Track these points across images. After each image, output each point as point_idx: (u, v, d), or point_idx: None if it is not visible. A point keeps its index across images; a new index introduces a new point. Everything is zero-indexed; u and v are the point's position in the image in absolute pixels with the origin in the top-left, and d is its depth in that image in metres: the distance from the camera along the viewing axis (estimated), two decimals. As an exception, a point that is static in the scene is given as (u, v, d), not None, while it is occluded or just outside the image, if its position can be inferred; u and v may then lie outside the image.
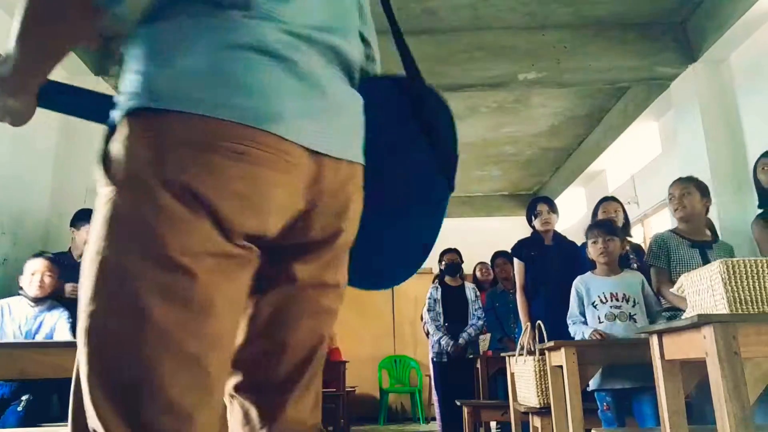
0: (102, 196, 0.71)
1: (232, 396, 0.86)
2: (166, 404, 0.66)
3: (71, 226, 3.59)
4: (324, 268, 0.84)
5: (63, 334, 3.17)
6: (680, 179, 2.94)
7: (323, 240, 0.82)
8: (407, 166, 0.95)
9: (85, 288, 0.69)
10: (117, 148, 0.70)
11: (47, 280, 3.18)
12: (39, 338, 3.15)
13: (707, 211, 2.91)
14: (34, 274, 3.16)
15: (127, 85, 0.72)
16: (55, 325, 3.19)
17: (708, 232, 2.91)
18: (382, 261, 1.00)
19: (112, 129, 0.72)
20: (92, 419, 0.67)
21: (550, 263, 3.66)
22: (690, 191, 2.84)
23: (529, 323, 2.96)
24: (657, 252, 2.83)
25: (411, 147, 0.95)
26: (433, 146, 0.94)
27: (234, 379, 0.85)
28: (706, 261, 2.69)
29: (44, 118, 4.09)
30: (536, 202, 3.86)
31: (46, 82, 0.79)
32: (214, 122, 0.69)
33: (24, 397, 3.12)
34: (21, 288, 3.19)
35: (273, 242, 0.77)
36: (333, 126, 0.79)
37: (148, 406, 0.66)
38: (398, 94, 0.96)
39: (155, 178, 0.67)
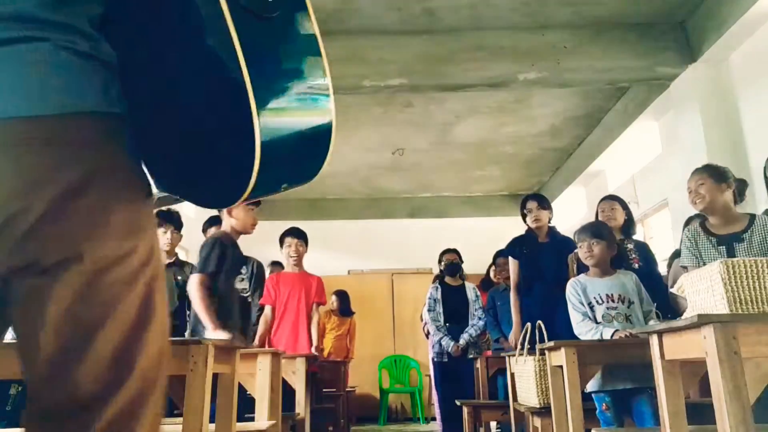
0: None
1: None
2: None
3: None
4: None
5: None
6: (695, 170, 2.73)
7: None
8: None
9: None
10: None
11: None
12: None
13: (735, 196, 2.65)
14: None
15: None
16: None
17: (741, 220, 2.63)
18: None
19: None
20: None
21: (544, 260, 3.66)
22: (703, 181, 2.63)
23: (521, 321, 2.95)
24: (688, 254, 2.60)
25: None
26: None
27: None
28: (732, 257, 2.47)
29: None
30: (526, 200, 3.86)
31: None
32: None
33: (12, 392, 2.82)
34: None
35: None
36: None
37: None
38: None
39: None
